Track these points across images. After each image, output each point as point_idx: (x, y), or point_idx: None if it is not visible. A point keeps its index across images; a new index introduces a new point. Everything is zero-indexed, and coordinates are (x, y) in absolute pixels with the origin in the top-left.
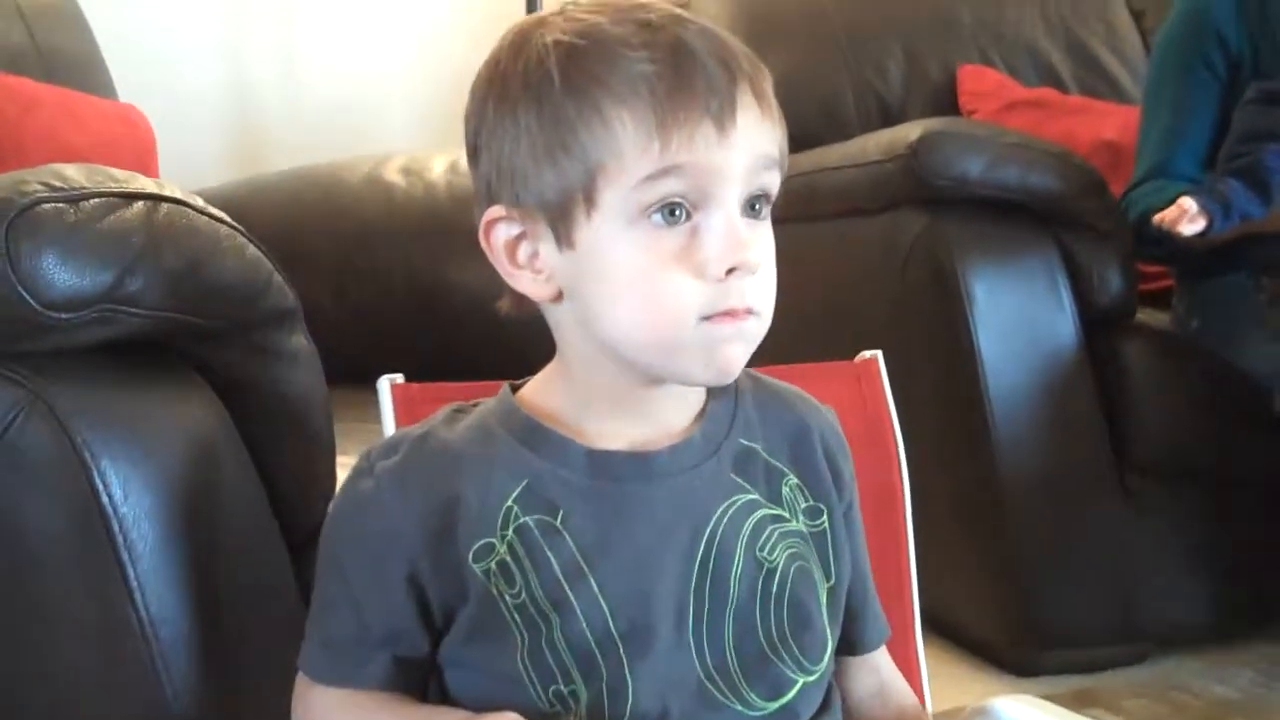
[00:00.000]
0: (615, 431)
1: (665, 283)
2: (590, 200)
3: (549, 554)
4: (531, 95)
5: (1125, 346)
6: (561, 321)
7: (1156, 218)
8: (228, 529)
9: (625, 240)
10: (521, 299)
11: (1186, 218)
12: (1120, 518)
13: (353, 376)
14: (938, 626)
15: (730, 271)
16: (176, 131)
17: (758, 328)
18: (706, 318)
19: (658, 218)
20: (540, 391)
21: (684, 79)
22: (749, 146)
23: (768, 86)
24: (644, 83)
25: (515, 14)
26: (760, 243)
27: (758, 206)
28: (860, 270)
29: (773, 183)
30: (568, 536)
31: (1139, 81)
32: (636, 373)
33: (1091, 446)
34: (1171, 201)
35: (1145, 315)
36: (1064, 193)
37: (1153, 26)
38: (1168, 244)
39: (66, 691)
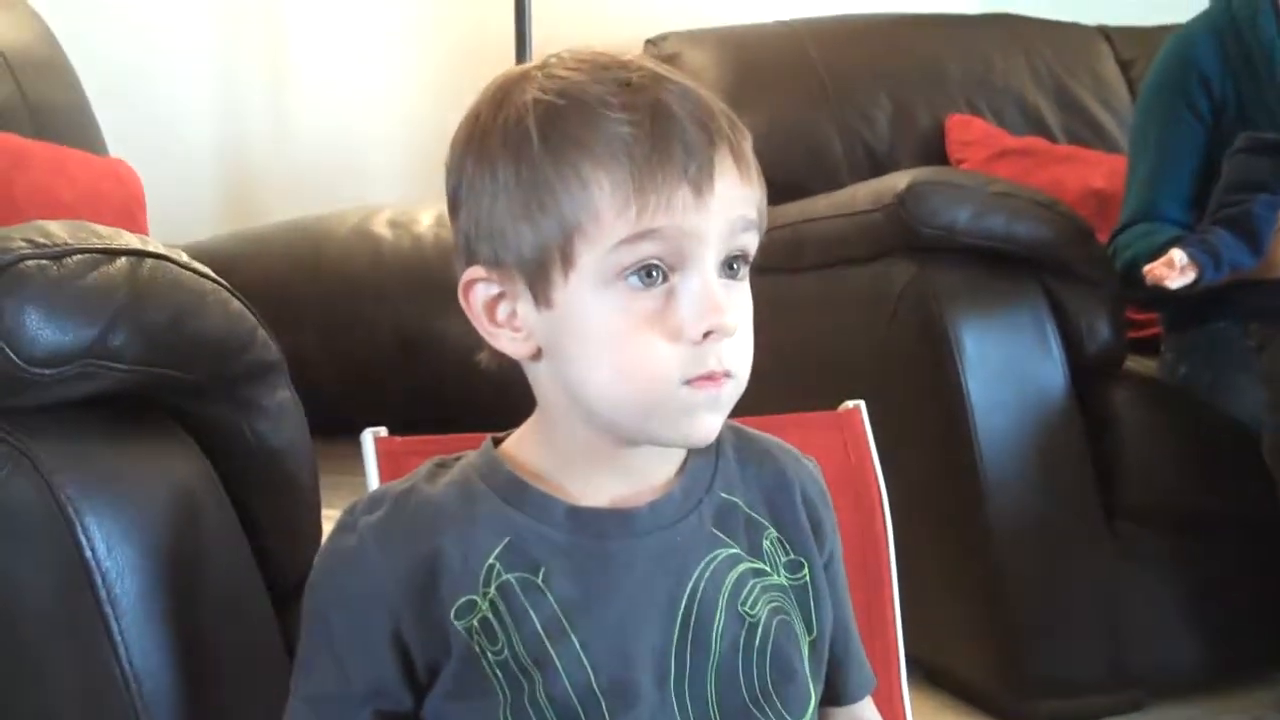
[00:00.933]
0: (596, 487)
1: (641, 345)
2: (567, 260)
3: (531, 611)
4: (510, 153)
5: (1114, 394)
6: (540, 378)
7: (1145, 269)
8: (211, 582)
9: (601, 301)
10: (500, 352)
11: (1176, 270)
12: (1110, 564)
13: (338, 429)
14: (927, 674)
15: (707, 335)
16: (166, 185)
17: (734, 390)
18: (685, 382)
19: (634, 279)
20: (522, 446)
21: (662, 142)
22: (726, 210)
23: (747, 148)
24: (622, 145)
25: (504, 67)
26: (737, 304)
27: (735, 267)
28: (848, 319)
29: (750, 244)
30: (549, 594)
31: (1127, 131)
32: (613, 432)
33: (1081, 493)
34: (1160, 249)
35: (1134, 362)
36: (1051, 241)
37: (1141, 76)
38: (1155, 291)
39: None
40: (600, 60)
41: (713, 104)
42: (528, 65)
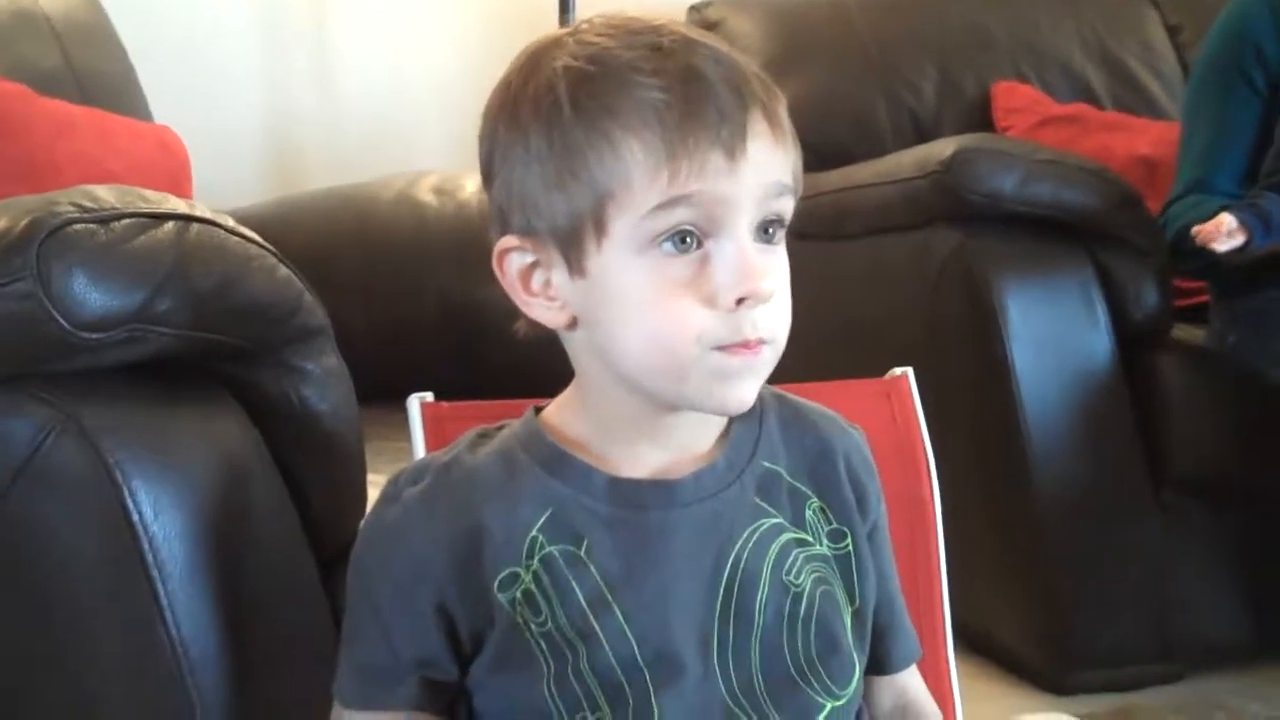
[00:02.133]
0: (637, 457)
1: (675, 311)
2: (600, 228)
3: (574, 584)
4: (542, 122)
5: (1161, 363)
6: (577, 348)
7: (1194, 230)
8: (258, 547)
9: (635, 268)
10: (537, 323)
11: (1225, 233)
12: (1156, 535)
13: (383, 395)
14: (973, 644)
15: (741, 301)
16: (210, 152)
17: (770, 357)
18: (720, 348)
19: (668, 245)
20: (562, 415)
21: (694, 107)
22: (760, 174)
23: (782, 110)
24: (653, 111)
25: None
26: (773, 269)
27: (771, 231)
28: (893, 287)
29: (786, 208)
30: (592, 566)
31: (1174, 97)
32: (650, 399)
33: (1127, 463)
34: (1210, 216)
35: (1181, 331)
36: (1099, 208)
37: (1188, 41)
38: (1205, 259)
39: (97, 710)
40: (632, 25)
41: (745, 67)
42: (559, 32)
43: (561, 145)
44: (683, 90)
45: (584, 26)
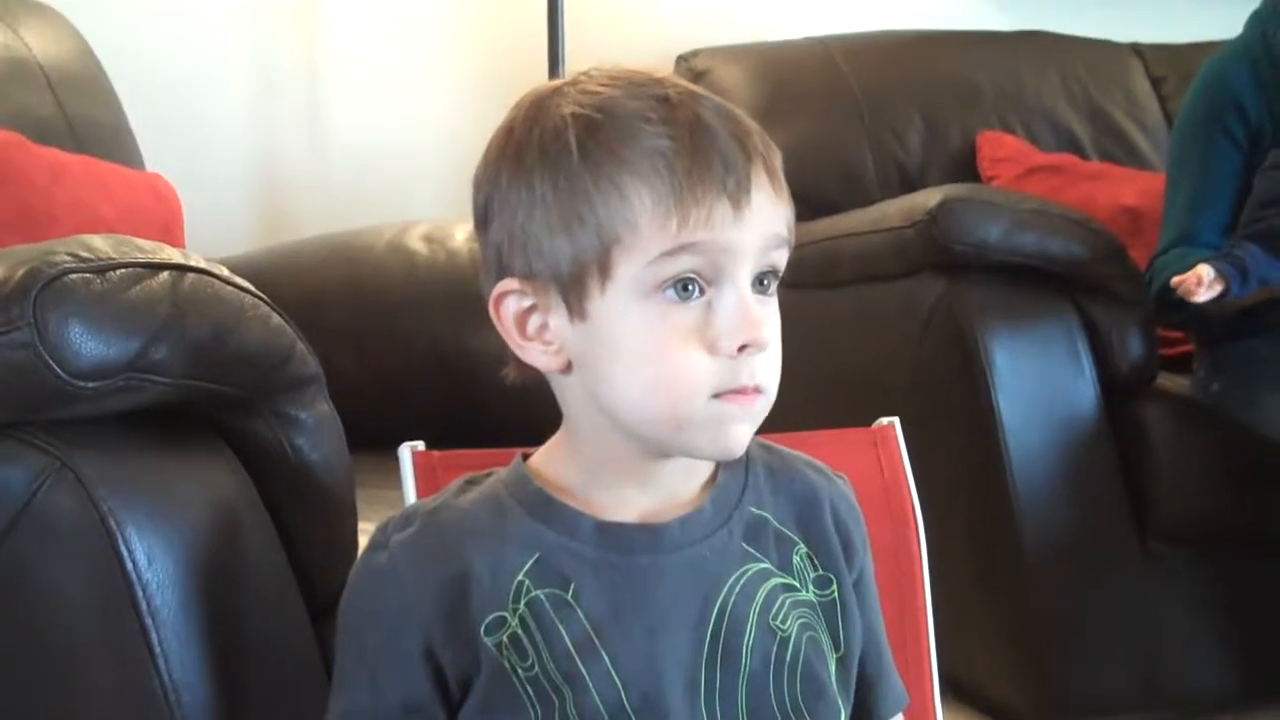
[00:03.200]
0: (625, 502)
1: (678, 358)
2: (605, 272)
3: (560, 627)
4: (549, 165)
5: (1146, 411)
6: (569, 392)
7: (1173, 282)
8: (250, 595)
9: (638, 314)
10: (527, 366)
11: (1203, 284)
12: (1143, 583)
13: (374, 443)
14: (960, 693)
15: (742, 348)
16: (202, 200)
17: (764, 406)
18: (717, 395)
19: (671, 293)
20: (550, 461)
21: (702, 157)
22: (761, 225)
23: (779, 165)
24: (662, 159)
25: (537, 82)
26: (769, 320)
27: (766, 283)
28: (880, 336)
29: (781, 260)
30: (579, 610)
31: (1158, 147)
32: (643, 445)
33: (1113, 512)
34: (1191, 268)
35: (1166, 380)
36: (1083, 258)
37: (1172, 93)
38: (1190, 311)
39: None
40: (635, 78)
41: (746, 120)
42: (559, 81)
43: (568, 189)
44: (690, 140)
45: (583, 77)
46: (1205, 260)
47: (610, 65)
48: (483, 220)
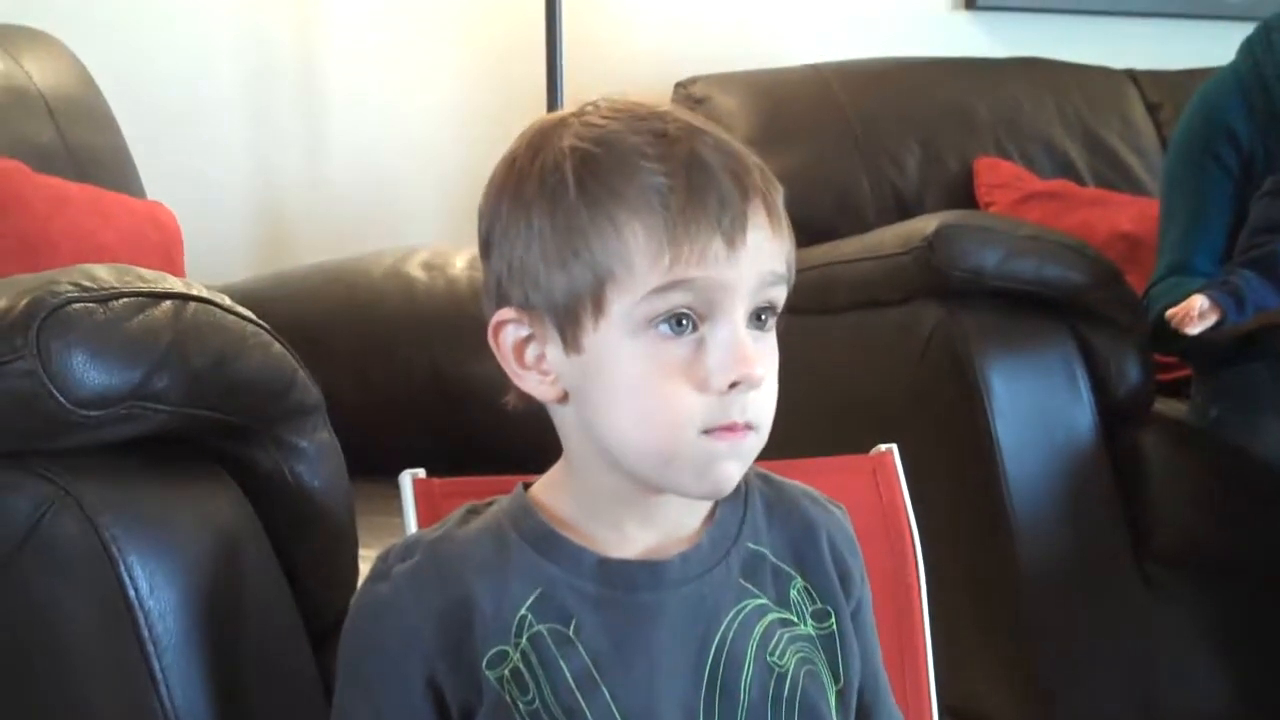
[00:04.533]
0: (625, 537)
1: (667, 393)
2: (598, 307)
3: (562, 663)
4: (546, 199)
5: (1143, 437)
6: (566, 423)
7: (1168, 314)
8: (251, 622)
9: (631, 348)
10: (527, 394)
11: (1197, 315)
12: (1141, 608)
13: (375, 470)
14: (958, 718)
15: (733, 386)
16: (202, 227)
17: (756, 443)
18: (706, 431)
19: (664, 328)
20: (551, 492)
21: (697, 194)
22: (757, 262)
23: (779, 201)
24: (658, 195)
25: (537, 114)
26: (764, 356)
27: (764, 318)
28: (877, 362)
29: (779, 297)
30: (580, 645)
31: (1155, 173)
32: (636, 480)
33: (1111, 537)
34: (1186, 297)
35: (1163, 405)
36: (1080, 284)
37: (1168, 119)
38: (1186, 340)
39: None
40: (638, 111)
41: (746, 157)
42: (565, 112)
43: (565, 224)
44: (686, 177)
45: (589, 108)
46: (1200, 290)
47: (618, 96)
48: (485, 248)
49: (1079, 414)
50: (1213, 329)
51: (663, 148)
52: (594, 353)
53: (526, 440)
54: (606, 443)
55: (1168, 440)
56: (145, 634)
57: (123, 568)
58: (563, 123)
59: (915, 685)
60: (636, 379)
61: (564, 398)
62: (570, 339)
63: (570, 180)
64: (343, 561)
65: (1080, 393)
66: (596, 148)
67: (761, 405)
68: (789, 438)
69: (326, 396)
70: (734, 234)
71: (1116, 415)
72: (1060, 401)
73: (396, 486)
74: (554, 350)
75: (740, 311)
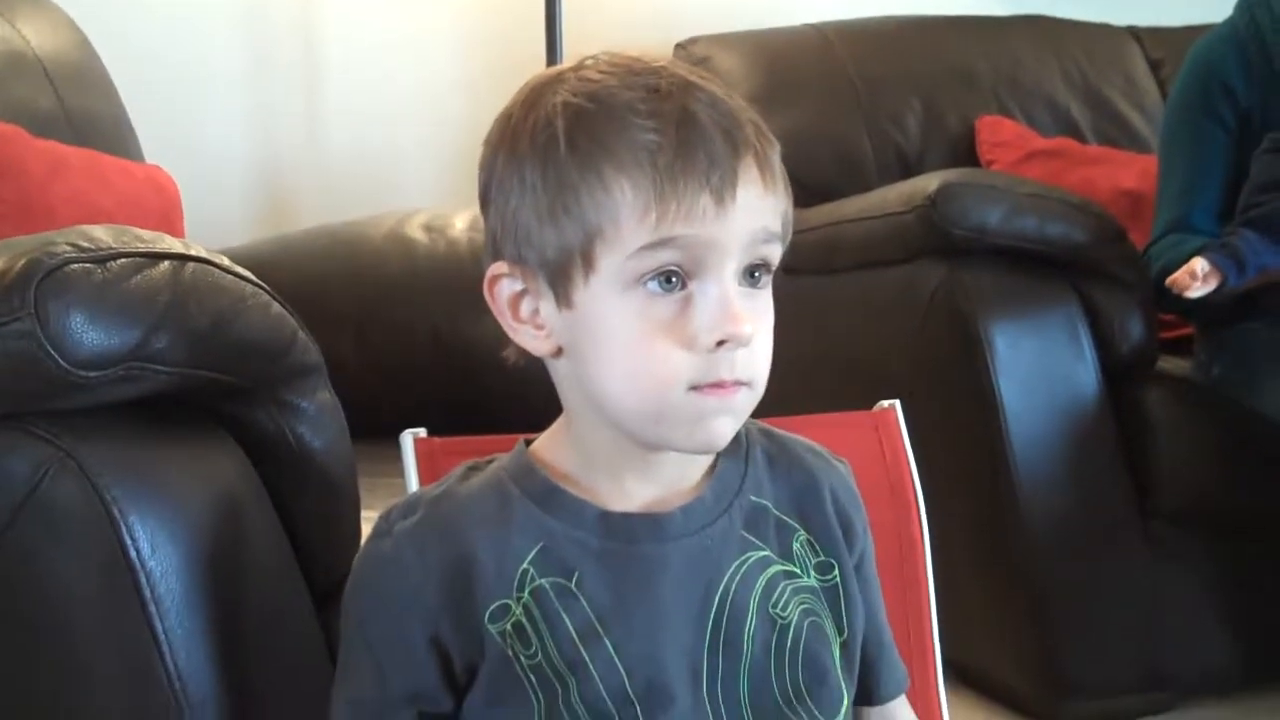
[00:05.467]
0: (627, 490)
1: (655, 351)
2: (588, 263)
3: (564, 616)
4: (538, 155)
5: (1147, 394)
6: (562, 377)
7: (1168, 281)
8: (253, 583)
9: (620, 305)
10: (526, 350)
11: (1198, 279)
12: (1144, 565)
13: (376, 431)
14: (962, 675)
15: (721, 344)
16: (202, 191)
17: (749, 399)
18: (695, 388)
19: (653, 285)
20: (552, 448)
21: (686, 151)
22: (748, 220)
23: (774, 157)
24: (646, 152)
25: (535, 72)
26: (756, 313)
27: (757, 275)
28: (880, 321)
29: (773, 255)
30: (582, 598)
31: (1157, 130)
32: (630, 437)
33: (1114, 494)
34: (1189, 257)
35: (1166, 363)
36: (1083, 242)
37: (1170, 76)
38: (1186, 300)
39: None
40: (634, 66)
41: (741, 113)
42: (563, 66)
43: (556, 180)
44: (676, 133)
45: (588, 63)
46: (1200, 253)
47: (617, 51)
48: (483, 203)
49: (1082, 372)
50: (1214, 293)
51: (654, 104)
52: (585, 309)
53: (527, 400)
54: (599, 399)
55: (1171, 398)
56: (147, 595)
57: (124, 529)
58: (558, 78)
59: (919, 639)
60: (625, 336)
61: (558, 352)
62: (562, 295)
63: (561, 137)
64: (344, 521)
65: (1083, 350)
66: (589, 104)
67: (752, 362)
68: (791, 397)
69: (327, 358)
70: (723, 191)
71: (1120, 373)
72: (1063, 359)
73: (397, 448)
74: (547, 305)
75: (729, 269)
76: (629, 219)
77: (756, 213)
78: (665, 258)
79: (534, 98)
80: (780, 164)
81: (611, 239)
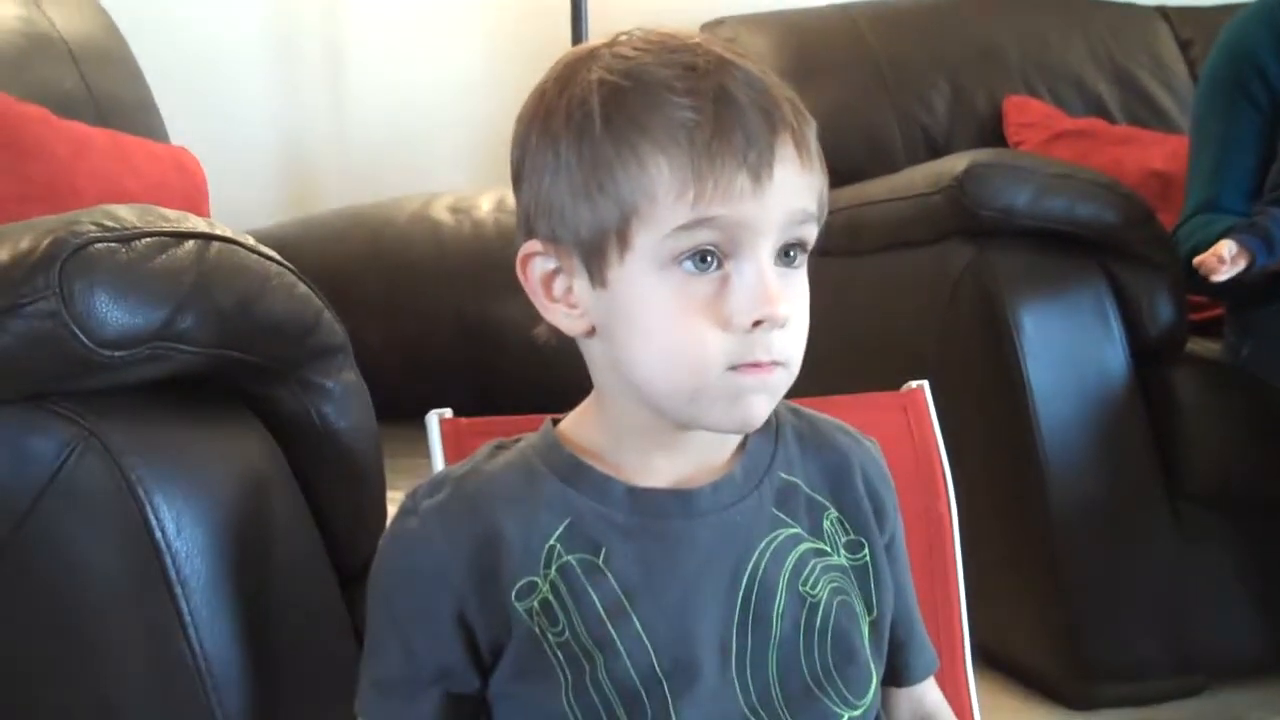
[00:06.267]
0: (655, 468)
1: (691, 331)
2: (624, 241)
3: (592, 593)
4: (573, 132)
5: (1176, 376)
6: (595, 357)
7: (1195, 262)
8: (279, 563)
9: (655, 284)
10: (558, 329)
11: (1226, 261)
12: (1173, 548)
13: (402, 412)
14: (990, 659)
15: (757, 324)
16: (227, 173)
17: (784, 379)
18: (732, 368)
19: (689, 264)
20: (580, 426)
21: (723, 129)
22: (785, 199)
23: (811, 136)
24: (683, 130)
25: (561, 53)
26: (792, 293)
27: (793, 254)
28: (908, 302)
29: (809, 234)
30: (610, 575)
31: (1186, 110)
32: (664, 415)
33: (1143, 476)
34: (1217, 238)
35: (1195, 344)
36: (1112, 223)
37: (1199, 55)
38: (1217, 284)
39: None
40: (669, 42)
41: (778, 91)
42: (597, 42)
43: (591, 157)
44: (713, 111)
45: (622, 39)
46: (1228, 234)
47: (651, 28)
48: (516, 180)
49: (1111, 353)
50: (1242, 274)
51: (691, 81)
52: (619, 288)
53: (552, 382)
54: (633, 378)
55: (1200, 379)
56: (173, 575)
57: (149, 509)
58: (593, 54)
59: (947, 620)
60: (661, 316)
61: (591, 332)
62: (596, 274)
63: (597, 114)
64: (370, 502)
65: (1112, 332)
66: (625, 80)
67: (788, 342)
68: (821, 376)
69: (353, 339)
70: (760, 170)
71: (1149, 354)
72: (1092, 341)
73: (423, 430)
74: (581, 284)
75: (766, 249)
76: (665, 197)
77: (793, 192)
78: (702, 237)
79: (568, 74)
80: (816, 142)
81: (648, 217)
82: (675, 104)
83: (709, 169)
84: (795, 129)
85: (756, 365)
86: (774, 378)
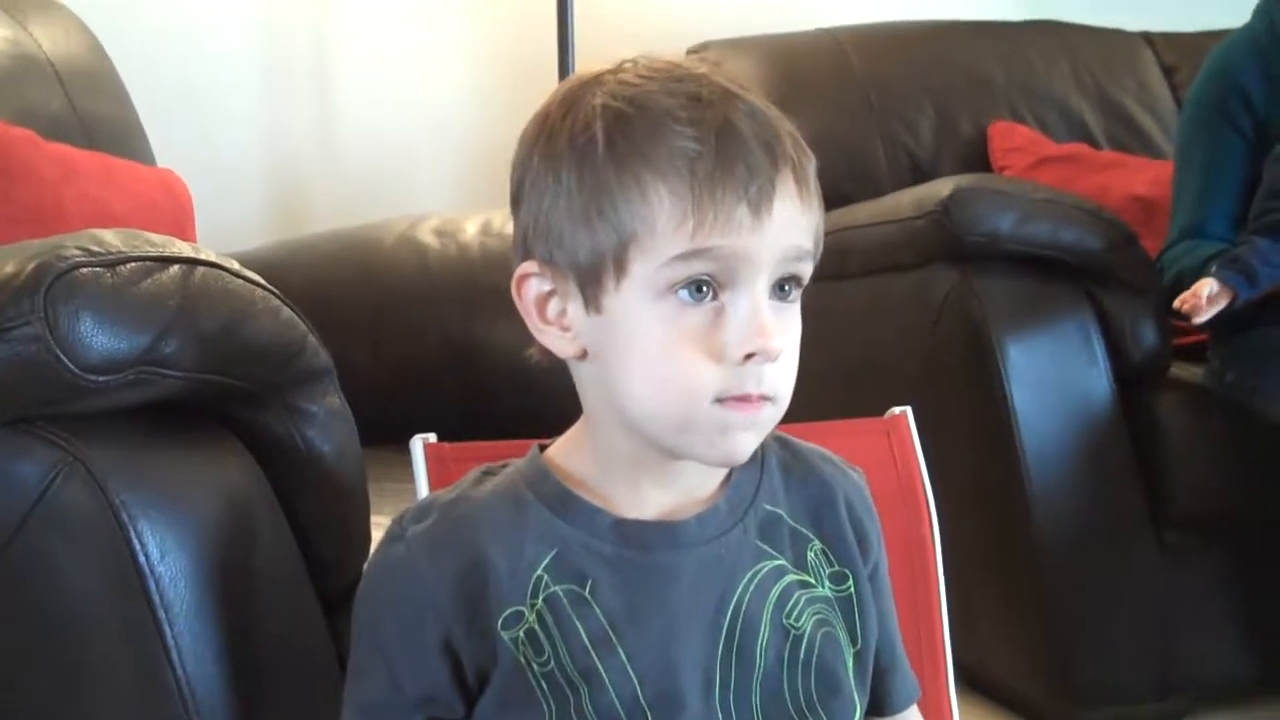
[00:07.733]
0: (642, 498)
1: (683, 361)
2: (620, 268)
3: (577, 623)
4: (575, 156)
5: (1160, 401)
6: (586, 381)
7: (1176, 303)
8: (263, 588)
9: (650, 313)
10: (549, 351)
11: (1207, 302)
12: (1158, 572)
13: (386, 436)
14: (974, 684)
15: (749, 357)
16: (214, 195)
17: (772, 415)
18: (720, 400)
19: (684, 294)
20: (568, 453)
21: (725, 161)
22: (783, 234)
23: (811, 172)
24: (685, 160)
25: (548, 80)
26: (785, 327)
27: (787, 289)
28: (892, 327)
29: (805, 271)
30: (596, 605)
31: (1171, 136)
32: (652, 444)
33: (1127, 502)
34: (1203, 265)
35: (1179, 369)
36: (1095, 248)
37: (1184, 82)
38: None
39: None
40: (674, 71)
41: (780, 125)
42: (601, 68)
43: (592, 182)
44: (716, 143)
45: (627, 65)
46: (1209, 270)
47: (655, 55)
48: (515, 200)
49: (1095, 378)
50: (1225, 311)
51: (695, 112)
52: (614, 314)
53: (538, 405)
54: (623, 405)
55: (1184, 404)
56: (156, 600)
57: (133, 533)
58: (598, 79)
59: (930, 646)
60: (654, 344)
61: (583, 355)
62: (591, 298)
63: (600, 139)
64: (354, 526)
65: (1096, 357)
66: (629, 107)
67: (779, 377)
68: (803, 403)
69: (338, 364)
70: (760, 203)
71: (1133, 379)
72: (1076, 365)
73: (408, 453)
74: (575, 308)
75: (762, 282)
76: (665, 226)
77: (791, 228)
78: (699, 268)
79: (572, 98)
80: (815, 177)
81: (646, 245)
82: (678, 133)
83: (709, 200)
84: (796, 164)
85: (745, 399)
86: (762, 414)
